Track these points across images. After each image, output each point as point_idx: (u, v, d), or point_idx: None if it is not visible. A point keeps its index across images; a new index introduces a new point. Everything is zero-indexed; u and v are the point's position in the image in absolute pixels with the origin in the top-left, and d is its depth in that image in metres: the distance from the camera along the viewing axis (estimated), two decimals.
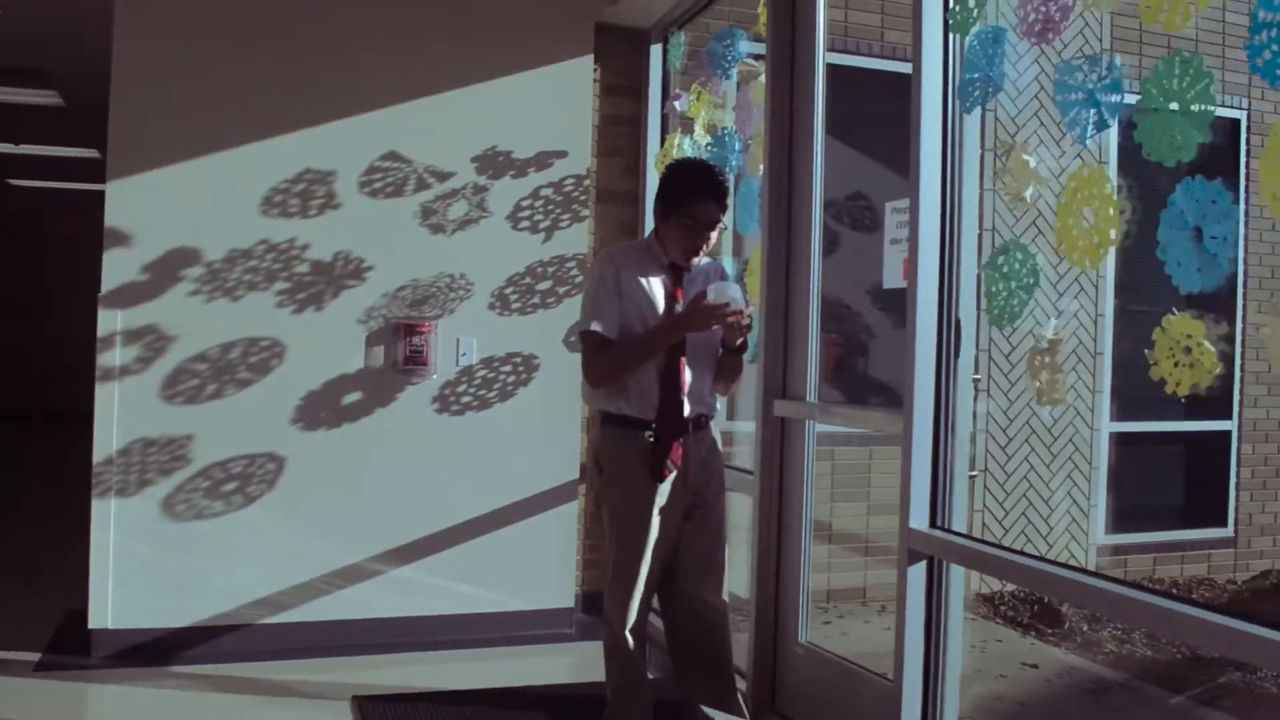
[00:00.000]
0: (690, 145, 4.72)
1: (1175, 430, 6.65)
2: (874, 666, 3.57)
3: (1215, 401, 6.68)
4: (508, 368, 4.79)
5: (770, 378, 3.91)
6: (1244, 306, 6.66)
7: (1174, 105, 2.29)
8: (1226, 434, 6.78)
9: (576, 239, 4.91)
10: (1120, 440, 6.38)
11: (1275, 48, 2.06)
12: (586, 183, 4.92)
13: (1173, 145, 2.28)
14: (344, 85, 4.55)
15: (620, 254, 3.31)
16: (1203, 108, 2.24)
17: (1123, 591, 2.44)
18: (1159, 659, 5.09)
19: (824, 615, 5.33)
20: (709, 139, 4.60)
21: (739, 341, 3.19)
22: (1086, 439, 6.19)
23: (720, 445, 3.37)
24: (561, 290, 4.86)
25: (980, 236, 3.90)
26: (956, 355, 3.08)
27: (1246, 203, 6.41)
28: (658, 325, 3.15)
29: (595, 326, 3.16)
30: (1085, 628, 5.43)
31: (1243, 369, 6.76)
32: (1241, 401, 6.76)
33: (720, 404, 3.47)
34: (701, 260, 3.26)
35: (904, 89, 3.13)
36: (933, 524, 3.06)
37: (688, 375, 3.19)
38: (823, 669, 3.69)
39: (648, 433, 3.13)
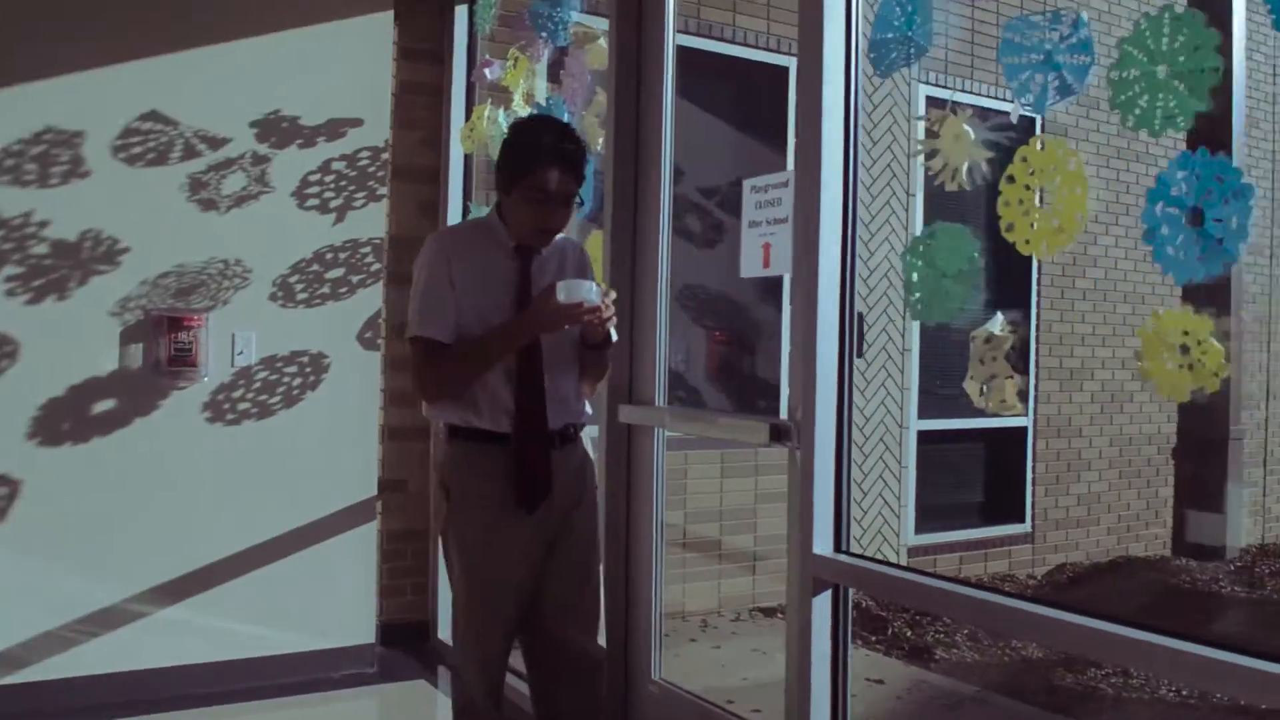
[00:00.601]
0: (505, 118, 4.21)
1: (975, 427, 6.66)
2: (721, 700, 3.24)
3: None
4: (293, 368, 4.13)
5: (615, 380, 3.47)
6: (1038, 302, 6.75)
7: (1161, 69, 2.00)
8: (1023, 430, 6.86)
9: (373, 220, 4.30)
10: (924, 438, 6.30)
11: None
12: (385, 156, 4.32)
13: (1166, 113, 1.98)
14: (95, 28, 3.78)
15: (452, 239, 2.77)
16: (1206, 69, 1.94)
17: (1068, 619, 2.15)
18: (989, 663, 4.99)
19: None
20: (531, 110, 4.10)
21: (602, 336, 2.71)
22: (897, 438, 6.07)
23: (592, 456, 2.87)
24: (355, 279, 4.24)
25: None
26: (859, 355, 2.73)
27: (1042, 201, 6.47)
28: (501, 326, 2.61)
29: (425, 331, 2.62)
30: (909, 633, 5.27)
31: (1037, 364, 6.85)
32: (1036, 397, 6.85)
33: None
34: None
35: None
36: (837, 548, 2.69)
37: (547, 377, 2.68)
38: (682, 712, 3.28)
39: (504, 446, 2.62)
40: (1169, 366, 1.98)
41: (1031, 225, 2.24)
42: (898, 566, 2.67)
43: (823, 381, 2.66)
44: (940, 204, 6.13)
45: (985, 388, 2.35)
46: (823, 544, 2.67)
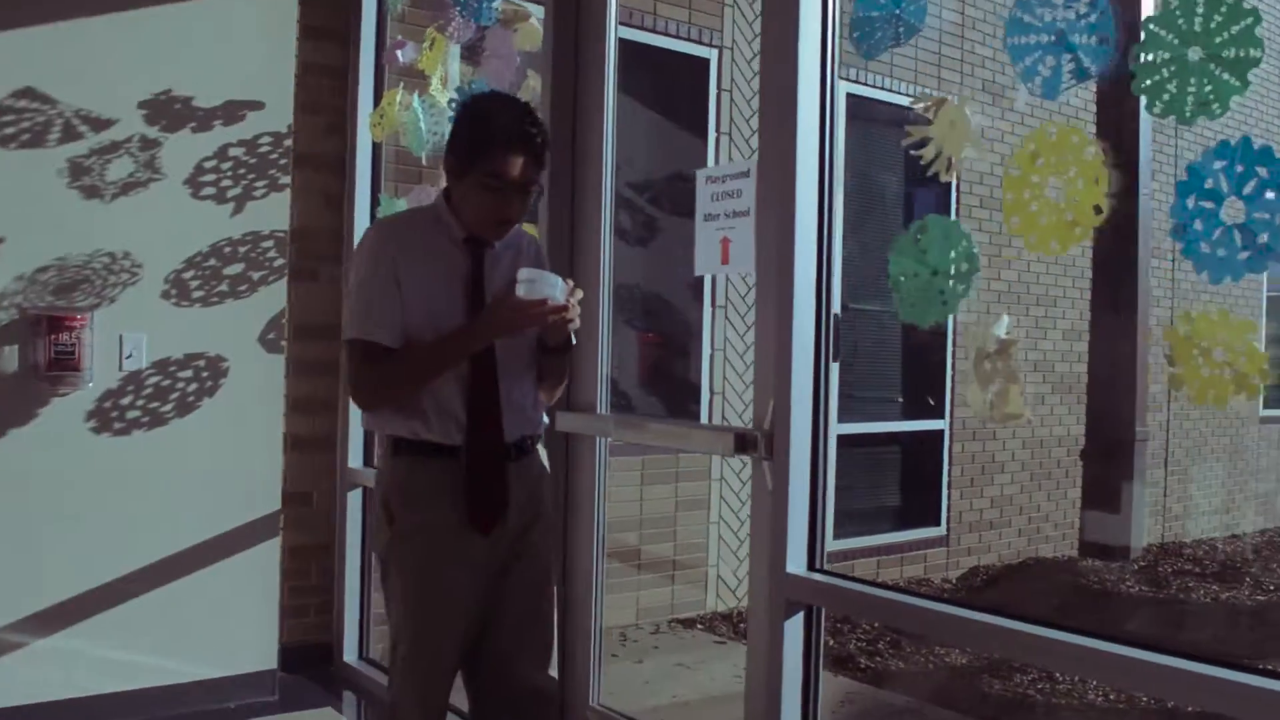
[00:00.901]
0: (420, 103, 3.92)
1: (893, 430, 6.58)
2: None
3: (930, 401, 6.70)
4: (188, 373, 3.78)
5: None
6: None
7: (1193, 51, 1.84)
8: (940, 433, 6.80)
9: (275, 212, 3.97)
10: (842, 442, 6.18)
11: None
12: (287, 143, 3.99)
13: (1199, 99, 1.82)
14: None
15: (398, 230, 2.48)
16: (1244, 53, 1.79)
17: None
18: (916, 671, 4.88)
19: None
20: (450, 95, 3.82)
21: (564, 338, 2.46)
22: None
23: (548, 469, 2.62)
24: (256, 275, 3.91)
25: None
26: (835, 359, 2.54)
27: (957, 201, 6.45)
28: (453, 331, 2.34)
29: (366, 334, 2.34)
30: (831, 641, 5.13)
31: (953, 367, 6.81)
32: (952, 400, 6.80)
33: None
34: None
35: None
36: (811, 566, 2.50)
37: (501, 384, 2.42)
38: None
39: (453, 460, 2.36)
40: (1205, 372, 1.83)
41: (1041, 219, 2.06)
42: (884, 586, 2.49)
43: (798, 388, 2.46)
44: (862, 203, 6.05)
45: (993, 396, 2.17)
46: (796, 562, 2.47)
